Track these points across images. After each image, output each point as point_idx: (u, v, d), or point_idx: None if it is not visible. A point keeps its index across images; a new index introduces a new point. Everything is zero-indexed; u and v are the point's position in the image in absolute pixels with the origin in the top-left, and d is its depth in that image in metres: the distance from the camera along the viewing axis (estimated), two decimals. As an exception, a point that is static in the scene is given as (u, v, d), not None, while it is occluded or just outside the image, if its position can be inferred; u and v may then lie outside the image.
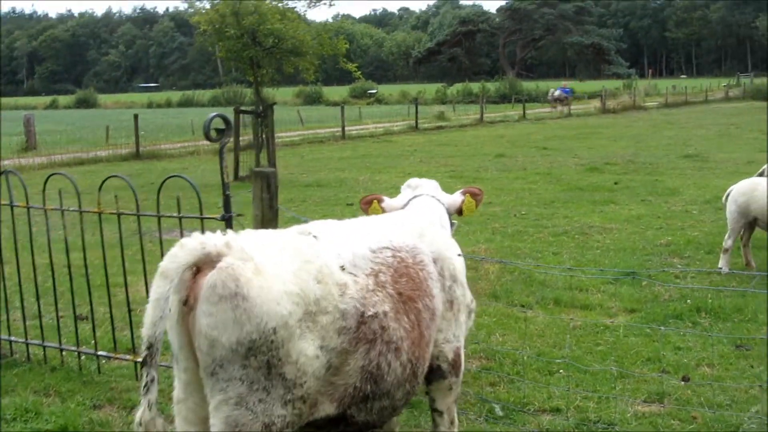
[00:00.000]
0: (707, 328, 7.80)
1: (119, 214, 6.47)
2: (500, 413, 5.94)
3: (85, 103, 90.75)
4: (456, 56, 76.41)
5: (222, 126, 5.77)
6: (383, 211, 5.05)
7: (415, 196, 5.11)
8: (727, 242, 9.88)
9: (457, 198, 5.18)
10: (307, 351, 3.30)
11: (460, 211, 5.19)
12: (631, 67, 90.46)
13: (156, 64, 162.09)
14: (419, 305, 3.82)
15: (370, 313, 3.54)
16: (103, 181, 6.44)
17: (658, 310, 8.34)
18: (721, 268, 9.85)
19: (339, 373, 3.45)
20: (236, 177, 21.06)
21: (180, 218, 6.10)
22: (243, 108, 21.60)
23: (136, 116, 28.42)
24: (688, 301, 8.44)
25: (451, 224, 5.23)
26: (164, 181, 6.13)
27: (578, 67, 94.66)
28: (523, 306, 8.76)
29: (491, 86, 68.20)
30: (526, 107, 47.92)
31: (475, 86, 74.19)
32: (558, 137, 32.91)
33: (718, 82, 75.13)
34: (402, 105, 55.69)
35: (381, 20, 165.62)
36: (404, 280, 3.79)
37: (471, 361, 7.11)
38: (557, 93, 53.64)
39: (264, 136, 20.68)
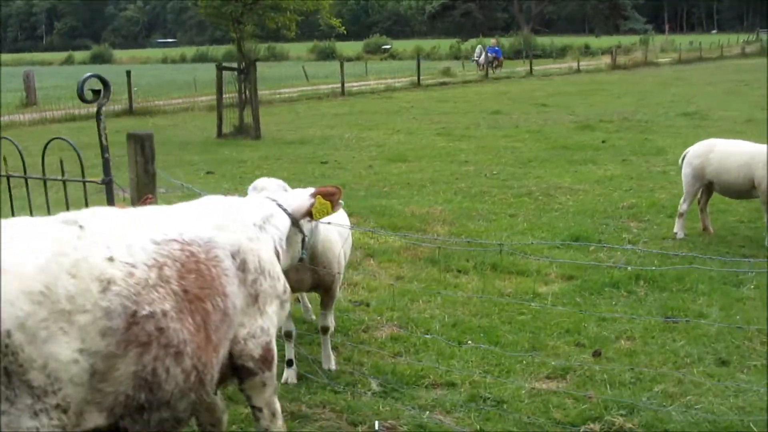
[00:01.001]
0: (642, 298, 7.42)
1: (8, 177, 6.10)
2: (377, 388, 5.63)
3: (100, 59, 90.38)
4: (470, 11, 75.24)
5: (99, 87, 5.40)
6: None
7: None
8: (682, 206, 9.45)
9: (304, 201, 4.54)
10: (60, 355, 2.92)
11: (309, 214, 4.53)
12: (649, 22, 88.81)
13: (174, 20, 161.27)
14: (208, 305, 3.45)
15: (144, 313, 3.15)
16: (46, 144, 6.00)
17: (596, 277, 7.94)
18: (676, 233, 9.43)
19: (107, 380, 3.06)
20: (219, 134, 20.72)
21: (63, 181, 5.74)
22: (225, 65, 21.13)
23: (128, 72, 28.08)
24: (629, 268, 8.02)
25: (298, 230, 4.60)
26: (47, 143, 5.76)
27: (595, 22, 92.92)
28: (459, 271, 8.40)
29: (505, 41, 67.07)
30: (536, 63, 47.06)
31: (488, 42, 73.12)
32: (561, 93, 32.27)
33: (737, 38, 73.48)
34: (413, 61, 54.78)
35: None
36: (193, 277, 3.41)
37: (382, 329, 6.79)
38: (482, 55, 46.59)
39: (247, 93, 20.26)
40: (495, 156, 16.33)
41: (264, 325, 3.83)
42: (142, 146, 5.39)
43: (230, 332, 3.64)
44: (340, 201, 4.74)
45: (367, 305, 7.40)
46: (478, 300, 7.40)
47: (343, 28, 22.41)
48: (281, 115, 26.93)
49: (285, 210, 4.41)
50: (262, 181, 4.79)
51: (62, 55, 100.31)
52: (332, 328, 6.50)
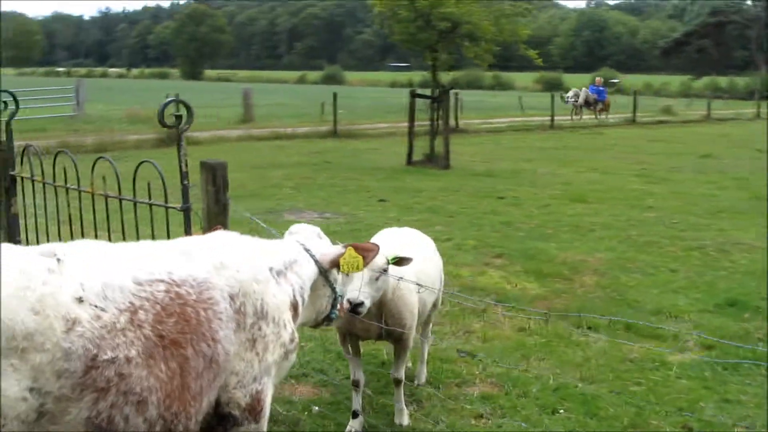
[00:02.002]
0: (784, 380, 6.54)
1: (106, 197, 6.20)
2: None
3: (332, 79, 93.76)
4: (705, 47, 71.83)
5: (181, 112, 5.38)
6: None
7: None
8: None
9: (333, 249, 4.28)
10: (8, 391, 2.82)
11: (336, 264, 4.24)
12: None
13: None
14: (188, 351, 3.22)
15: (105, 357, 2.96)
16: (136, 168, 6.13)
17: (737, 350, 7.09)
18: None
19: (57, 422, 2.91)
20: (409, 161, 20.73)
21: (150, 205, 5.75)
22: (418, 92, 21.14)
23: (335, 95, 28.77)
24: (783, 343, 7.13)
25: (326, 281, 4.26)
26: (137, 168, 5.79)
27: None
28: (590, 328, 7.79)
29: (740, 81, 63.55)
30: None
31: (723, 80, 69.65)
32: (787, 140, 29.97)
33: None
34: (643, 97, 52.56)
35: (635, 8, 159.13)
36: (173, 321, 3.19)
37: (477, 386, 6.36)
38: (577, 94, 39.77)
39: (439, 121, 20.20)
40: (685, 203, 15.28)
41: (258, 373, 3.58)
42: (213, 175, 5.29)
43: (219, 379, 3.42)
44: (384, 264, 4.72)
45: (473, 356, 6.96)
46: (595, 363, 6.81)
47: (540, 59, 21.82)
48: (482, 145, 26.67)
49: (312, 256, 4.14)
50: (297, 227, 4.52)
51: (297, 74, 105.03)
52: (421, 381, 6.21)
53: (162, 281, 3.25)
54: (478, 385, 6.39)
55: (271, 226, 12.18)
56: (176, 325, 3.19)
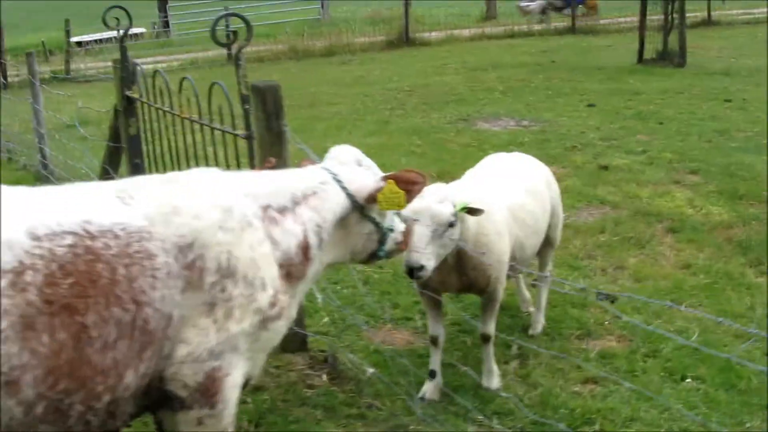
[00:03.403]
0: None
1: (182, 119, 5.76)
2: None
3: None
4: None
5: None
6: None
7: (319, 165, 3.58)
8: None
9: (369, 182, 3.44)
10: None
11: (373, 200, 3.43)
12: None
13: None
14: (87, 318, 2.64)
15: None
16: (181, 81, 5.72)
17: None
18: None
19: None
20: (640, 59, 19.01)
21: (213, 129, 5.29)
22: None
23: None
24: None
25: (363, 216, 3.49)
26: (210, 89, 5.30)
27: None
28: (773, 268, 6.53)
29: None
30: None
31: None
32: None
33: None
34: None
35: None
36: (69, 282, 2.62)
37: (602, 339, 5.45)
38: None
39: (674, 15, 18.30)
40: None
41: (216, 345, 2.92)
42: (263, 100, 4.70)
43: (154, 349, 2.82)
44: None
45: (613, 301, 6.00)
46: (761, 314, 5.67)
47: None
48: (733, 39, 23.95)
49: (344, 188, 3.41)
50: (336, 150, 3.73)
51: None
52: (536, 330, 5.54)
53: (70, 233, 2.68)
54: (604, 338, 5.48)
55: (460, 135, 11.57)
56: (74, 287, 2.62)
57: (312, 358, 5.14)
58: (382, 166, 9.39)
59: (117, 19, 6.52)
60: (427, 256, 4.09)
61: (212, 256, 2.90)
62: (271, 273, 3.08)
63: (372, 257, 3.69)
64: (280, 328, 3.20)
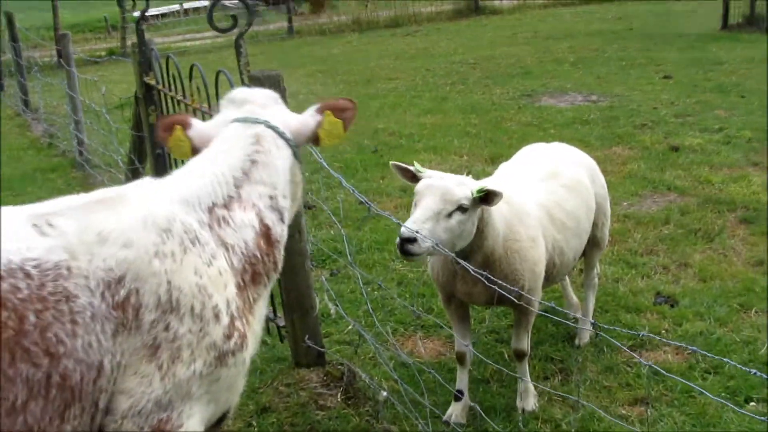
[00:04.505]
0: None
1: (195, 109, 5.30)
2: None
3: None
4: None
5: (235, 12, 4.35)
6: (190, 144, 2.92)
7: (236, 119, 2.87)
8: None
9: (307, 120, 2.96)
10: None
11: (316, 140, 2.99)
12: None
13: None
14: None
15: None
16: (191, 68, 5.25)
17: None
18: None
19: None
20: (724, 25, 17.95)
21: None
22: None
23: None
24: None
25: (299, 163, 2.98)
26: (217, 77, 4.80)
27: None
28: None
29: None
30: None
31: None
32: None
33: None
34: None
35: None
36: None
37: (658, 351, 4.84)
38: None
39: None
40: None
41: (163, 394, 2.45)
42: (264, 90, 4.17)
43: (78, 407, 2.34)
44: None
45: (672, 305, 5.37)
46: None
47: None
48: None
49: (282, 134, 2.87)
50: (243, 91, 3.03)
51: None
52: (583, 340, 4.98)
53: None
54: (660, 350, 4.86)
55: (521, 113, 10.91)
56: None
57: (328, 374, 4.64)
58: (433, 148, 8.92)
59: (133, 1, 6.10)
60: (424, 230, 3.55)
61: (149, 289, 2.41)
62: (224, 297, 2.57)
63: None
64: (242, 360, 2.68)
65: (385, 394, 4.22)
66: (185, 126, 2.95)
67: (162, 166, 6.27)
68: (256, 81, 4.19)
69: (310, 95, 13.33)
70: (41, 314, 2.26)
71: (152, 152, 6.30)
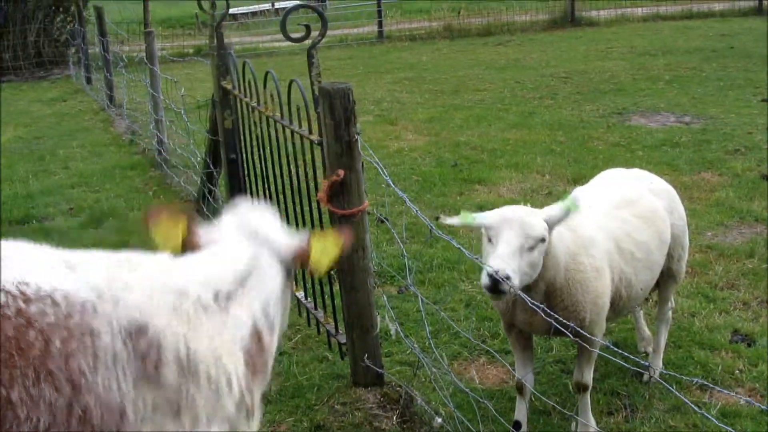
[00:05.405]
0: None
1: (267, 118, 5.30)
2: None
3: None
4: None
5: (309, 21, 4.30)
6: (182, 239, 2.79)
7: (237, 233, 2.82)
8: None
9: (295, 241, 2.86)
10: None
11: (302, 262, 2.89)
12: None
13: None
14: (12, 393, 2.14)
15: None
16: (265, 76, 5.25)
17: None
18: None
19: None
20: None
21: (291, 131, 4.84)
22: None
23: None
24: None
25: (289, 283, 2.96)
26: (289, 87, 4.77)
27: None
28: None
29: None
30: None
31: None
32: None
33: None
34: None
35: None
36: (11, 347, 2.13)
37: (728, 393, 4.62)
38: None
39: None
40: None
41: None
42: (331, 105, 4.13)
43: None
44: None
45: (749, 344, 5.12)
46: None
47: None
48: None
49: (277, 252, 2.83)
50: (242, 208, 2.93)
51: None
52: (653, 376, 4.72)
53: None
54: (733, 390, 4.64)
55: (610, 132, 10.64)
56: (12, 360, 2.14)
57: (385, 395, 4.55)
58: (515, 165, 8.77)
59: (213, 4, 6.12)
60: (512, 267, 3.45)
61: (169, 345, 2.39)
62: (236, 368, 2.56)
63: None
64: (252, 424, 2.66)
65: (440, 420, 4.13)
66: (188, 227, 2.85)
67: (235, 172, 6.30)
68: (325, 93, 4.15)
69: (395, 103, 13.34)
70: (66, 342, 2.23)
71: (227, 157, 6.33)
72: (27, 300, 2.22)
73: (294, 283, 3.11)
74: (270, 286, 2.79)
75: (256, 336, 2.69)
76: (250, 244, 2.79)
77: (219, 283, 2.62)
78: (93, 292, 2.34)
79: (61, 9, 19.01)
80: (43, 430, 2.19)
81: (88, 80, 16.05)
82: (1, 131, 11.77)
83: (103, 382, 2.28)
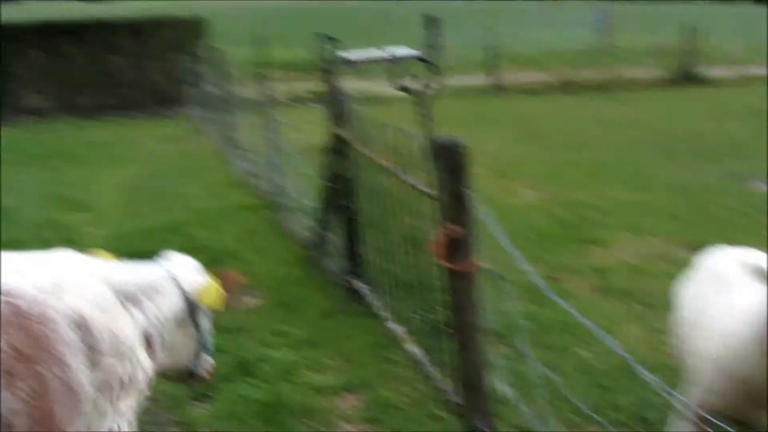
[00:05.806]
0: None
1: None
2: None
3: None
4: None
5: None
6: None
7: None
8: None
9: (198, 278, 3.49)
10: None
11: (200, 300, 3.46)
12: None
13: None
14: (45, 371, 2.53)
15: None
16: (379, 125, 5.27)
17: None
18: None
19: None
20: None
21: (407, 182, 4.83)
22: None
23: None
24: None
25: (192, 321, 3.44)
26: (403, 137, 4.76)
27: None
28: None
29: None
30: None
31: None
32: None
33: None
34: None
35: None
36: (22, 334, 2.53)
37: None
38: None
39: None
40: None
41: (116, 428, 2.91)
42: (445, 159, 4.06)
43: (78, 418, 2.67)
44: None
45: None
46: None
47: None
48: None
49: (180, 286, 3.35)
50: (171, 256, 3.60)
51: None
52: None
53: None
54: None
55: (727, 195, 10.25)
56: (27, 341, 2.54)
57: (491, 461, 4.42)
58: (630, 227, 8.52)
59: (329, 38, 6.22)
60: None
61: (101, 334, 2.78)
62: (143, 354, 3.05)
63: (184, 373, 3.60)
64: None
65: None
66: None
67: (349, 219, 6.29)
68: (438, 146, 4.09)
69: (507, 156, 13.22)
70: (48, 331, 2.57)
71: (341, 204, 6.34)
72: (13, 297, 2.56)
73: (205, 324, 3.51)
74: (167, 308, 3.23)
75: (148, 339, 3.09)
76: (164, 273, 3.31)
77: (122, 286, 3.02)
78: (36, 290, 2.64)
79: (183, 49, 19.61)
80: (59, 400, 2.56)
81: (207, 120, 16.45)
82: (124, 167, 12.10)
83: (75, 363, 2.63)
